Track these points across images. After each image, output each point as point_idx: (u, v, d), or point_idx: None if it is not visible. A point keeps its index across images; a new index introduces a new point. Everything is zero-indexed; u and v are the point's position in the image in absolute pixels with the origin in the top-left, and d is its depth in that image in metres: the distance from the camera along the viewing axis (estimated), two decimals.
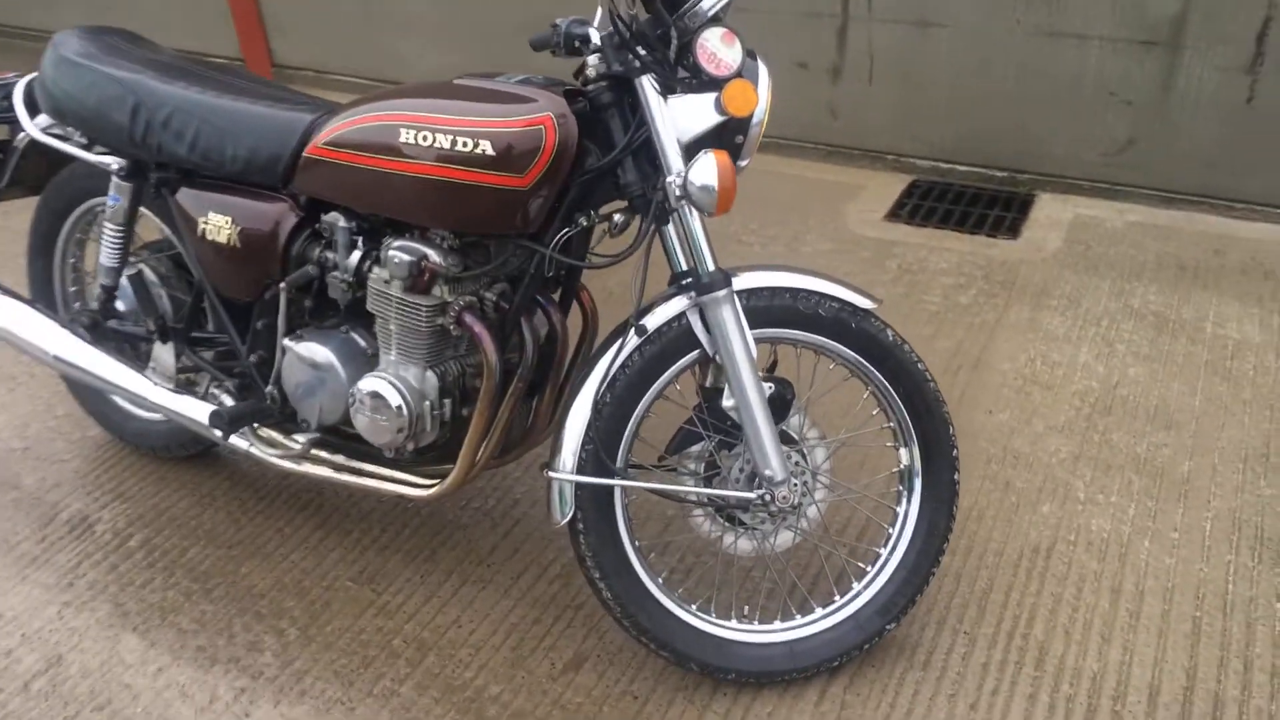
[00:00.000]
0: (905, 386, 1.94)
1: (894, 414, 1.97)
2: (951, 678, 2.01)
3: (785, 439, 1.93)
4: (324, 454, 2.13)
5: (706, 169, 1.69)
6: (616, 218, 1.92)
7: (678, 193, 1.76)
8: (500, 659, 2.10)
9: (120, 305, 2.44)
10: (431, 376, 2.00)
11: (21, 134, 2.41)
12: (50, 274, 2.63)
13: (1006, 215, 3.66)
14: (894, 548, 2.00)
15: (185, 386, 2.33)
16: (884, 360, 1.93)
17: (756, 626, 2.01)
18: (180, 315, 2.35)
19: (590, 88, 1.83)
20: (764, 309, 1.87)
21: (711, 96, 1.78)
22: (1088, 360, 2.90)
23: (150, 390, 2.29)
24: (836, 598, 2.03)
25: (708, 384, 1.95)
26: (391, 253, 1.93)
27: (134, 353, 2.47)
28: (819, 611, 2.02)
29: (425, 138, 1.83)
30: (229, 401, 2.22)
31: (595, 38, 1.86)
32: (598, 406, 1.87)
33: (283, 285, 2.07)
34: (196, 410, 2.26)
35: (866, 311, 1.91)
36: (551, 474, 1.88)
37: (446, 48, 4.81)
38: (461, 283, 1.96)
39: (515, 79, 1.91)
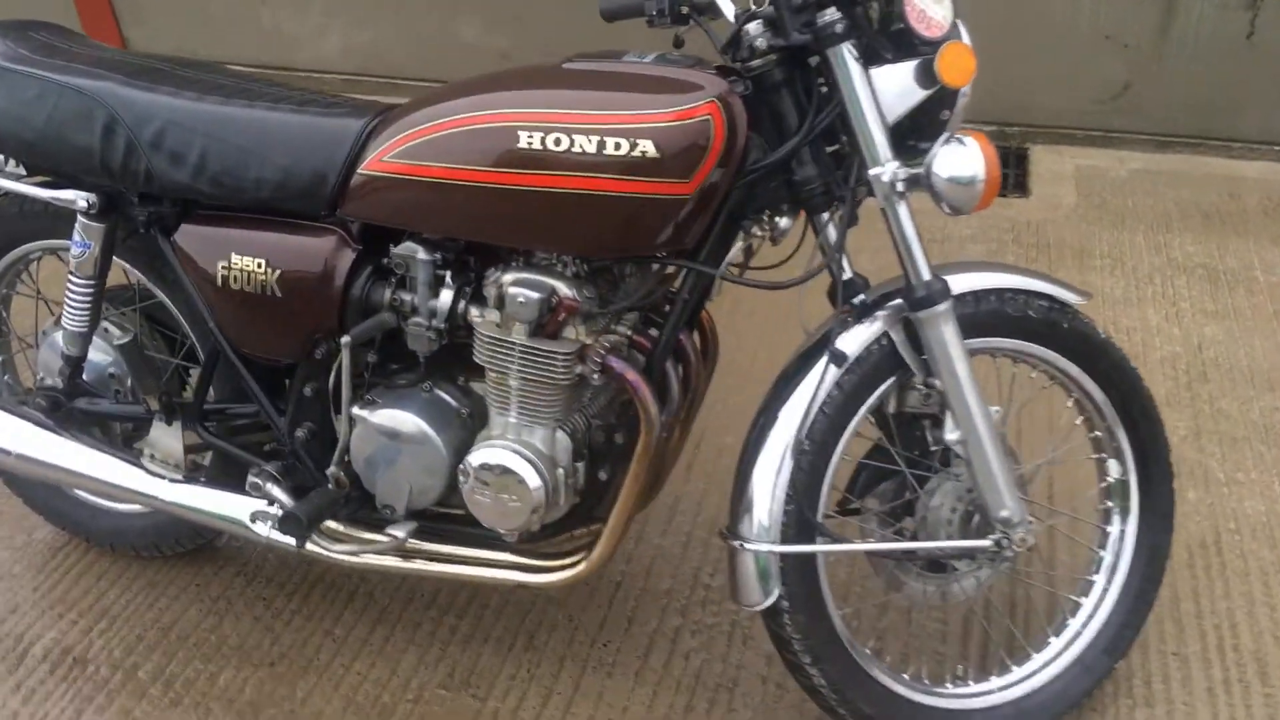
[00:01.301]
0: (1119, 390, 1.67)
1: (1102, 422, 1.70)
2: (1182, 710, 1.78)
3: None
4: (421, 544, 1.69)
5: (966, 157, 1.36)
6: (782, 222, 1.56)
7: (901, 188, 1.42)
8: None
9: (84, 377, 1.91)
10: (563, 438, 1.60)
11: None
12: None
13: (1007, 172, 3.48)
14: (1113, 573, 1.74)
15: (193, 475, 1.83)
16: (1095, 363, 1.65)
17: (975, 689, 1.71)
18: (171, 386, 1.84)
19: (755, 63, 1.46)
20: (969, 316, 1.55)
21: (910, 65, 1.44)
22: (1159, 323, 2.72)
23: (160, 488, 1.78)
24: (1051, 639, 1.75)
25: (897, 410, 1.62)
26: (511, 289, 1.51)
27: (102, 436, 1.94)
28: (1038, 659, 1.74)
29: (559, 141, 1.42)
30: (278, 491, 1.73)
31: (728, 5, 1.50)
32: (798, 456, 1.51)
33: (346, 340, 1.61)
34: (233, 507, 1.77)
35: (1074, 309, 1.63)
36: (748, 545, 1.52)
37: (353, 26, 4.24)
38: (594, 319, 1.56)
39: (647, 57, 1.52)
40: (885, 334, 1.53)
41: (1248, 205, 3.22)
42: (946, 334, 1.49)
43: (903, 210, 1.46)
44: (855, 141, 1.44)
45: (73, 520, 2.13)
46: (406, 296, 1.61)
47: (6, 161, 1.80)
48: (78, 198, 1.70)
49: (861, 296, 1.54)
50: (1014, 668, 1.74)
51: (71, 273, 1.78)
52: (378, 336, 1.66)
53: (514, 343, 1.53)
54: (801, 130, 1.46)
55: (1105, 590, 1.74)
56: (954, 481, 1.63)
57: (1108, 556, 1.75)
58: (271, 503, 1.75)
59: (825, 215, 1.53)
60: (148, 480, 1.78)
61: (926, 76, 1.44)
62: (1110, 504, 1.75)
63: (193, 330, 1.83)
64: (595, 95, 1.44)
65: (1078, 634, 1.74)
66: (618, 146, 1.40)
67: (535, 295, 1.50)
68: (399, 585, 2.07)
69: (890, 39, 1.44)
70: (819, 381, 1.51)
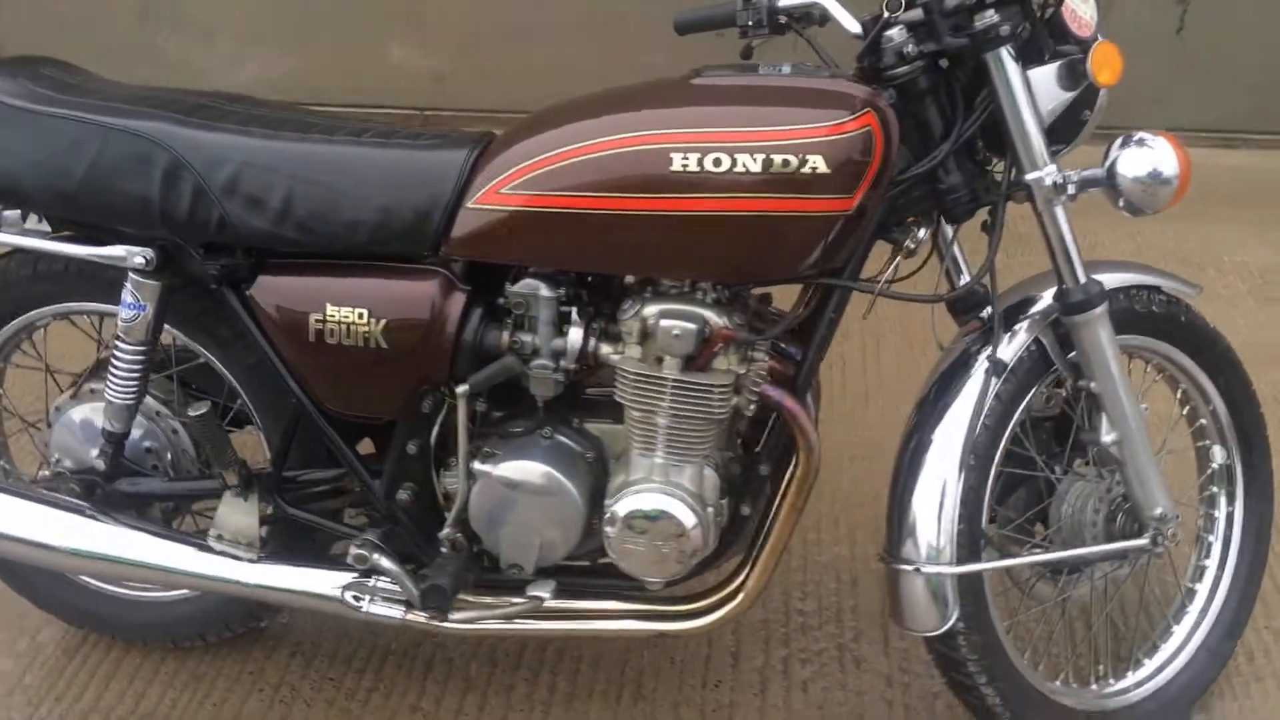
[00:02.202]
0: (1226, 378, 1.70)
1: (1207, 409, 1.73)
2: None
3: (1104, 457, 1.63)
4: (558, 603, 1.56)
5: (1156, 157, 1.35)
6: (921, 234, 1.51)
7: (1073, 190, 1.40)
8: None
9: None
10: (711, 475, 1.51)
11: None
12: None
13: None
14: (1224, 556, 1.77)
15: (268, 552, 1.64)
16: (1205, 353, 1.68)
17: (1118, 687, 1.71)
18: (228, 459, 1.64)
19: (900, 70, 1.41)
20: None
21: (1053, 67, 1.42)
22: None
23: (240, 570, 1.58)
24: (1174, 628, 1.77)
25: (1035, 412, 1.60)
26: (663, 322, 1.41)
27: (138, 519, 1.72)
28: (1166, 649, 1.75)
29: (719, 161, 1.33)
30: (386, 562, 1.56)
31: (835, 5, 1.45)
32: (965, 472, 1.47)
33: (464, 390, 1.48)
34: (326, 584, 1.59)
35: (1187, 302, 1.65)
36: (925, 568, 1.46)
37: (270, 54, 3.99)
38: (740, 348, 1.47)
39: (783, 68, 1.45)
40: (1036, 339, 1.51)
41: (1191, 193, 3.39)
42: (1102, 336, 1.48)
43: (1060, 214, 1.44)
44: (1012, 145, 1.41)
45: (92, 615, 1.88)
46: (527, 338, 1.49)
47: (25, 218, 1.58)
48: (132, 254, 1.50)
49: (988, 307, 1.53)
50: (1145, 661, 1.74)
51: (119, 339, 1.57)
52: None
53: (665, 378, 1.43)
54: (951, 136, 1.42)
55: (1219, 574, 1.77)
56: (1085, 483, 1.62)
57: (1217, 541, 1.78)
58: (369, 575, 1.59)
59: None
60: (224, 563, 1.58)
61: (1071, 77, 1.42)
62: (1215, 489, 1.78)
63: (250, 392, 1.65)
64: (750, 111, 1.36)
65: (1198, 620, 1.76)
66: (785, 164, 1.33)
67: (691, 326, 1.40)
68: (476, 648, 1.92)
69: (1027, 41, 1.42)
70: (980, 394, 1.48)
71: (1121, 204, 1.40)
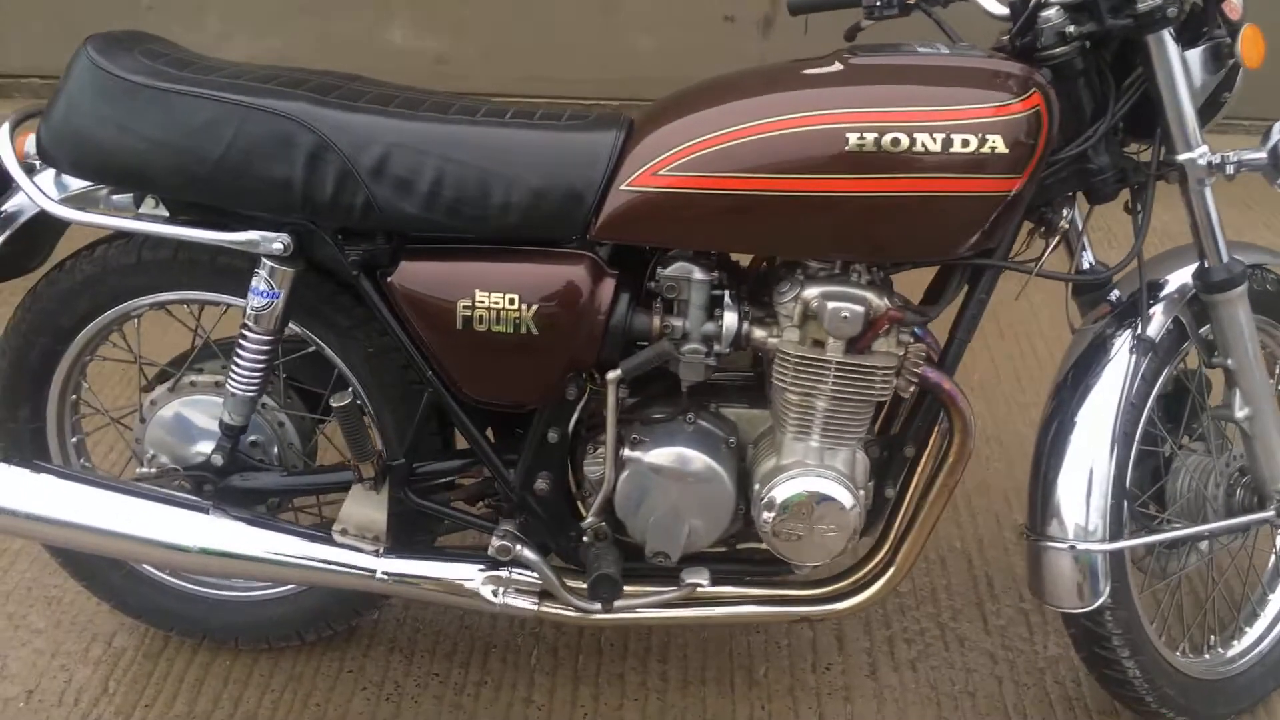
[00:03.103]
0: None
1: None
2: None
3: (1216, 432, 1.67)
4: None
5: None
6: (1066, 214, 1.53)
7: (1231, 170, 1.42)
8: None
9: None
10: (862, 458, 1.50)
11: (26, 211, 1.51)
12: (42, 425, 1.68)
13: None
14: None
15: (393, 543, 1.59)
16: None
17: (1226, 654, 1.75)
18: (367, 450, 1.56)
19: (1058, 50, 1.41)
20: None
21: (1201, 50, 1.45)
22: None
23: (379, 564, 1.53)
24: (1270, 596, 1.81)
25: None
26: (831, 304, 1.40)
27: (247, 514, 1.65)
28: (1267, 615, 1.80)
29: (897, 141, 1.32)
30: (528, 553, 1.53)
31: None
32: (1115, 451, 1.49)
33: (614, 376, 1.45)
34: (465, 576, 1.55)
35: None
36: (1080, 545, 1.48)
37: (259, 33, 3.85)
38: (901, 330, 1.47)
39: (938, 48, 1.44)
40: (1175, 318, 1.54)
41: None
42: (1241, 314, 1.51)
43: (1208, 194, 1.47)
44: (1165, 125, 1.43)
45: (183, 618, 1.80)
46: (677, 322, 1.46)
47: (140, 202, 1.50)
48: (268, 239, 1.43)
49: (1116, 289, 1.56)
50: (1246, 629, 1.80)
51: (247, 328, 1.50)
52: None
53: (829, 361, 1.42)
54: (1106, 116, 1.43)
55: None
56: (1199, 458, 1.66)
57: None
58: (503, 566, 1.56)
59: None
60: (358, 558, 1.53)
61: (1217, 59, 1.45)
62: None
63: (368, 382, 1.59)
64: (926, 90, 1.35)
65: None
66: (965, 143, 1.33)
67: (859, 309, 1.39)
68: (577, 639, 1.89)
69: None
70: (1125, 374, 1.50)
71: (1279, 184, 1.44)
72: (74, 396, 1.70)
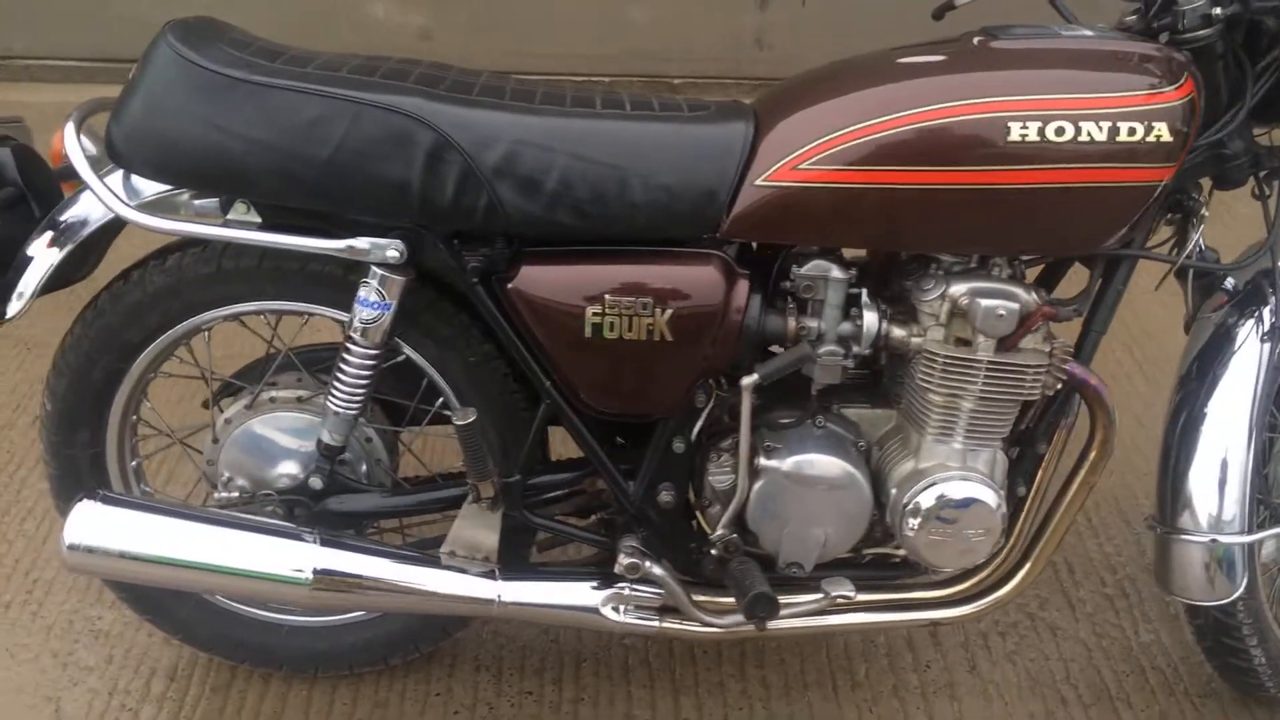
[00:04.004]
0: None
1: None
2: None
3: None
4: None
5: None
6: (1199, 198, 1.49)
7: None
8: None
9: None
10: (1002, 458, 1.45)
11: (95, 217, 1.37)
12: (101, 450, 1.54)
13: None
14: None
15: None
16: None
17: None
18: (488, 469, 1.45)
19: (1203, 33, 1.37)
20: None
21: None
22: None
23: (497, 589, 1.43)
24: None
25: None
26: (985, 302, 1.34)
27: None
28: None
29: (1061, 130, 1.27)
30: (657, 569, 1.44)
31: None
32: (1250, 441, 1.47)
33: (750, 381, 1.37)
34: (586, 596, 1.46)
35: None
36: (1221, 538, 1.46)
37: (233, 7, 3.61)
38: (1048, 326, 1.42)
39: (1084, 30, 1.39)
40: None
41: None
42: None
43: None
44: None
45: (255, 648, 1.68)
46: (813, 323, 1.39)
47: (228, 207, 1.37)
48: (381, 247, 1.31)
49: (1231, 279, 1.54)
50: None
51: (352, 342, 1.39)
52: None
53: (980, 361, 1.36)
54: (1245, 99, 1.39)
55: None
56: None
57: None
58: (630, 583, 1.48)
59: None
60: (482, 585, 1.43)
61: None
62: None
63: (466, 393, 1.49)
64: (1085, 76, 1.29)
65: None
66: (1131, 131, 1.27)
67: (1014, 306, 1.33)
68: (668, 649, 1.82)
69: None
70: (1260, 362, 1.47)
71: None
72: (134, 417, 1.56)
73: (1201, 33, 1.36)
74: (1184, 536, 1.48)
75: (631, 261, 1.35)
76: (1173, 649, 1.85)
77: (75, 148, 1.31)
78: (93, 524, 1.32)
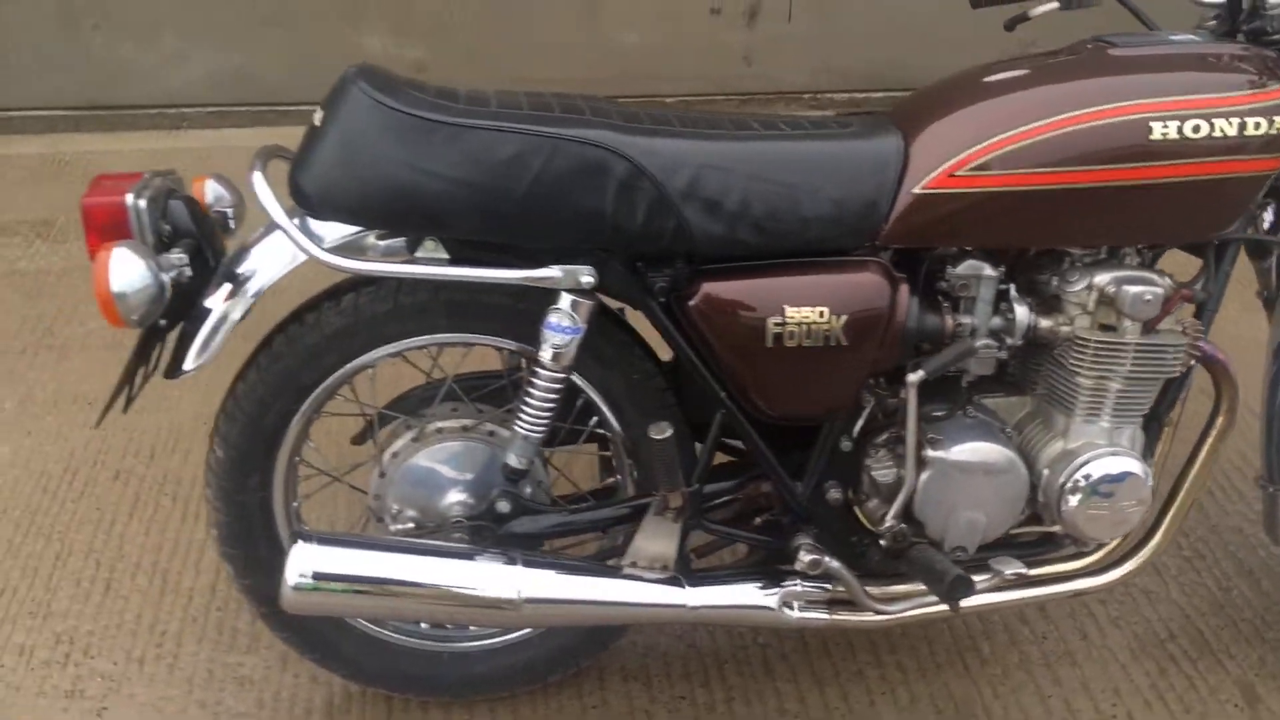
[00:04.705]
0: None
1: None
2: None
3: None
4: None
5: None
6: None
7: None
8: None
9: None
10: (1140, 433, 1.57)
11: (280, 265, 1.39)
12: (269, 493, 1.56)
13: None
14: None
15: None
16: None
17: None
18: (678, 481, 1.50)
19: None
20: None
21: None
22: None
23: (687, 596, 1.49)
24: None
25: None
26: (1132, 289, 1.45)
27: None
28: None
29: (1198, 128, 1.39)
30: (836, 564, 1.52)
31: None
32: None
33: (916, 378, 1.46)
34: (763, 596, 1.53)
35: None
36: None
37: (219, 49, 3.61)
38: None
39: (1185, 36, 1.51)
40: None
41: None
42: None
43: None
44: None
45: (419, 678, 1.70)
46: (967, 319, 1.49)
47: (415, 246, 1.40)
48: (574, 273, 1.37)
49: None
50: None
51: (541, 367, 1.43)
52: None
53: (1128, 343, 1.48)
54: None
55: None
56: None
57: None
58: (808, 580, 1.55)
59: None
60: (674, 592, 1.49)
61: None
62: None
63: (624, 409, 1.54)
64: (1211, 78, 1.42)
65: None
66: (1257, 126, 1.41)
67: (1160, 290, 1.45)
68: (799, 643, 1.89)
69: None
70: None
71: None
72: (297, 458, 1.58)
73: None
74: None
75: (804, 273, 1.43)
76: (1255, 600, 1.99)
77: (269, 196, 1.34)
78: (313, 564, 1.34)
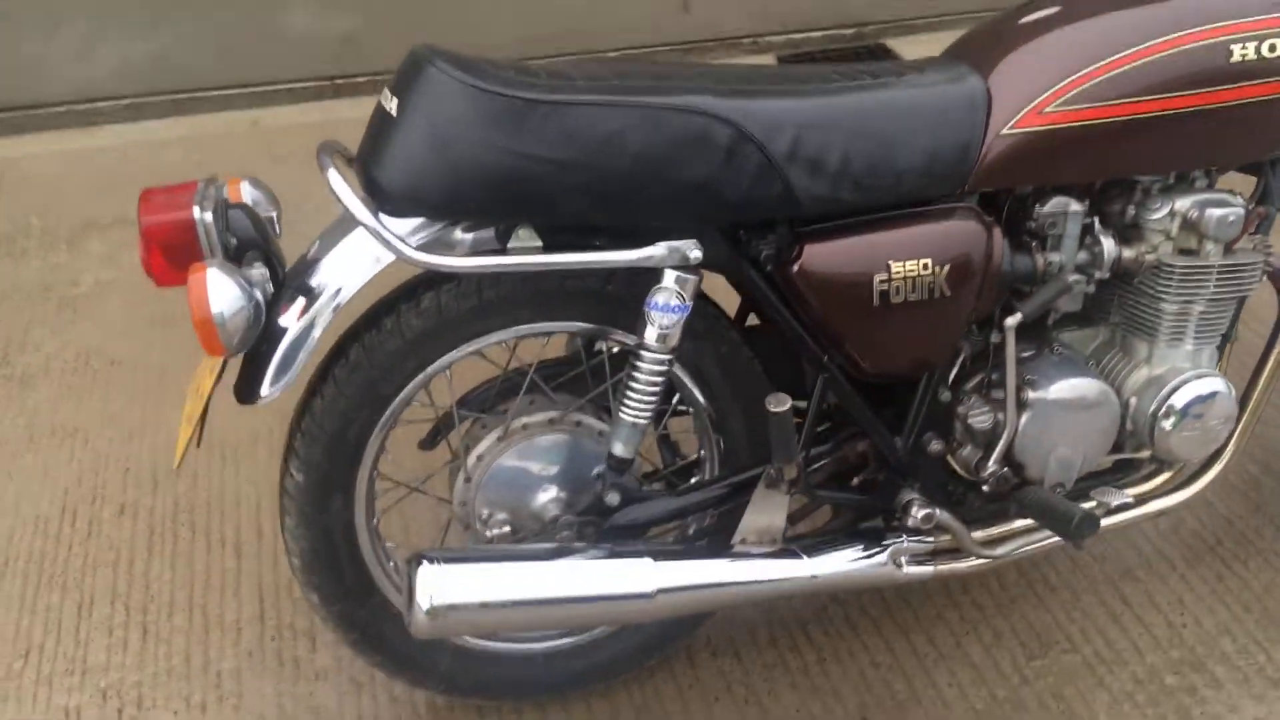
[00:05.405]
0: None
1: None
2: None
3: None
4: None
5: None
6: None
7: None
8: None
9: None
10: (1215, 352, 1.60)
11: (361, 272, 1.28)
12: (351, 511, 1.46)
13: None
14: None
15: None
16: None
17: None
18: (794, 453, 1.45)
19: None
20: None
21: None
22: None
23: (807, 566, 1.46)
24: None
25: None
26: (1214, 211, 1.47)
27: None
28: None
29: (1274, 47, 1.41)
30: (945, 515, 1.51)
31: None
32: None
33: (1013, 321, 1.46)
34: (880, 558, 1.51)
35: None
36: None
37: (131, 36, 3.33)
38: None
39: None
40: None
41: None
42: None
43: None
44: None
45: (516, 682, 1.63)
46: (1057, 256, 1.48)
47: (507, 236, 1.31)
48: (680, 249, 1.30)
49: None
50: None
51: (646, 350, 1.36)
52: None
53: (1212, 265, 1.49)
54: None
55: None
56: None
57: None
58: (906, 534, 1.54)
59: None
60: (794, 564, 1.46)
61: None
62: None
63: (723, 383, 1.49)
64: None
65: None
66: None
67: (1240, 210, 1.47)
68: (876, 597, 1.88)
69: None
70: None
71: None
72: (375, 472, 1.48)
73: None
74: None
75: (904, 225, 1.40)
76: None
77: (351, 196, 1.22)
78: (443, 584, 1.25)
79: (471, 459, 1.48)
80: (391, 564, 1.54)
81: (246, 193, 1.39)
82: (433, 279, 1.37)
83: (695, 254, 1.31)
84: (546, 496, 1.48)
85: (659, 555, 1.38)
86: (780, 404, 1.37)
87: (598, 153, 1.24)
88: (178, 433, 1.37)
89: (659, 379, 1.39)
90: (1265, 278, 1.60)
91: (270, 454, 2.16)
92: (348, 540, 1.47)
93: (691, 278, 1.34)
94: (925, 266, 1.40)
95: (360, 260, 1.29)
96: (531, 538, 1.46)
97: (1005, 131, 1.40)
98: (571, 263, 1.29)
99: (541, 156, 1.23)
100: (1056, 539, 1.61)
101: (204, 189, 1.26)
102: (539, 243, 1.31)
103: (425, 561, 1.27)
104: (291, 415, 1.44)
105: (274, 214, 1.40)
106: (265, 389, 1.30)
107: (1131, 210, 1.51)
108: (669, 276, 1.33)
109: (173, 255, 1.21)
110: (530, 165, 1.23)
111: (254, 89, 3.51)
